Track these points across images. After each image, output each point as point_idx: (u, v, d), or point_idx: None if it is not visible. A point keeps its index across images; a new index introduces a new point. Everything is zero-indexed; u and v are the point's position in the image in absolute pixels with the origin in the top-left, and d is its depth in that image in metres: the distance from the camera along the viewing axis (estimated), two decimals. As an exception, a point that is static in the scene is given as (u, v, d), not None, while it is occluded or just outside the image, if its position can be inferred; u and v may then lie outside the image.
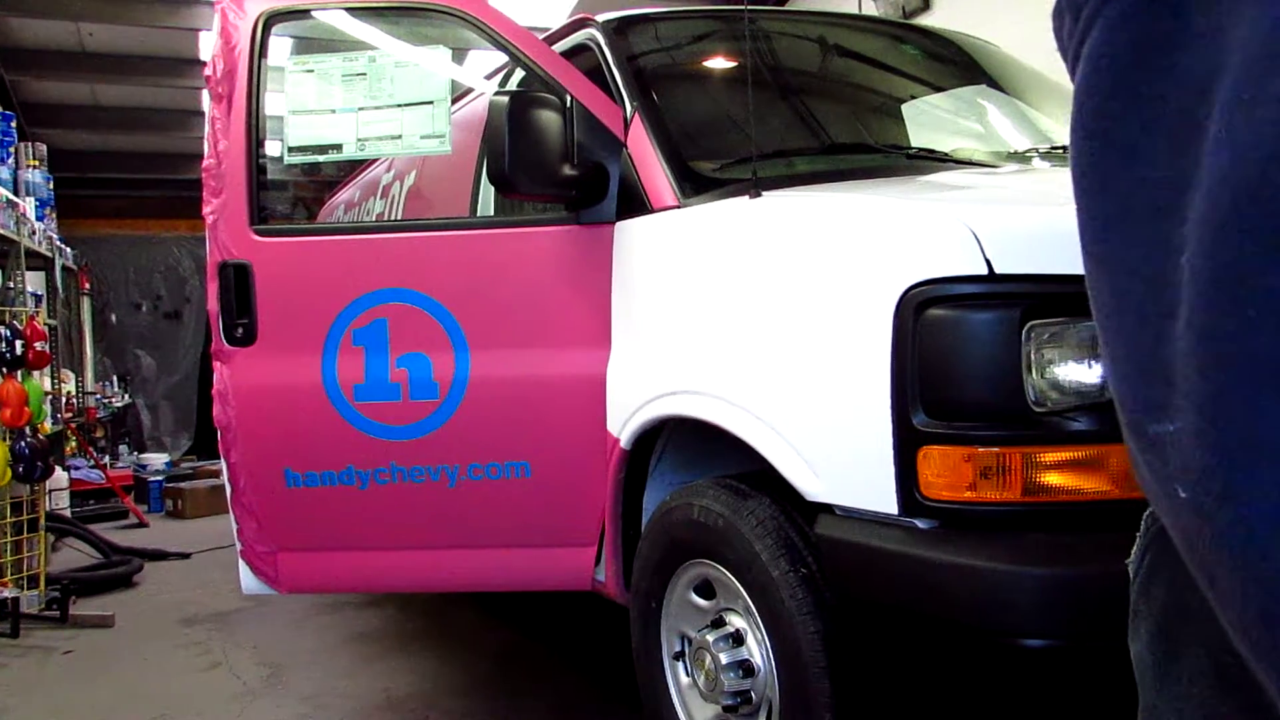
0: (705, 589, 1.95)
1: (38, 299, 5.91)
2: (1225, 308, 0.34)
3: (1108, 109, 0.41)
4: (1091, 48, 0.41)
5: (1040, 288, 1.42)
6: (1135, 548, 0.53)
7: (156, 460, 8.31)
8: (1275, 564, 0.34)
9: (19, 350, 3.89)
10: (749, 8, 2.36)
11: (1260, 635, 0.36)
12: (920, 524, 1.49)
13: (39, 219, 5.93)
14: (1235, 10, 0.34)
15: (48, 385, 5.59)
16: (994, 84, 2.75)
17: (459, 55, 4.11)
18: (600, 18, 2.54)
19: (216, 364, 2.41)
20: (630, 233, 2.18)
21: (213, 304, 2.38)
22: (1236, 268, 0.33)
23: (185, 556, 5.25)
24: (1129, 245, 0.40)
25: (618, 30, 2.49)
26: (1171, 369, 0.37)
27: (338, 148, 2.35)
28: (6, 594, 3.83)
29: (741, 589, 1.80)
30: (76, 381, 7.85)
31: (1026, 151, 2.40)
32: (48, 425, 4.75)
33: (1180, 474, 0.37)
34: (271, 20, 2.42)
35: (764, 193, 1.87)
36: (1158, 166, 0.38)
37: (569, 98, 2.17)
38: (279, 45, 2.53)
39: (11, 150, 5.67)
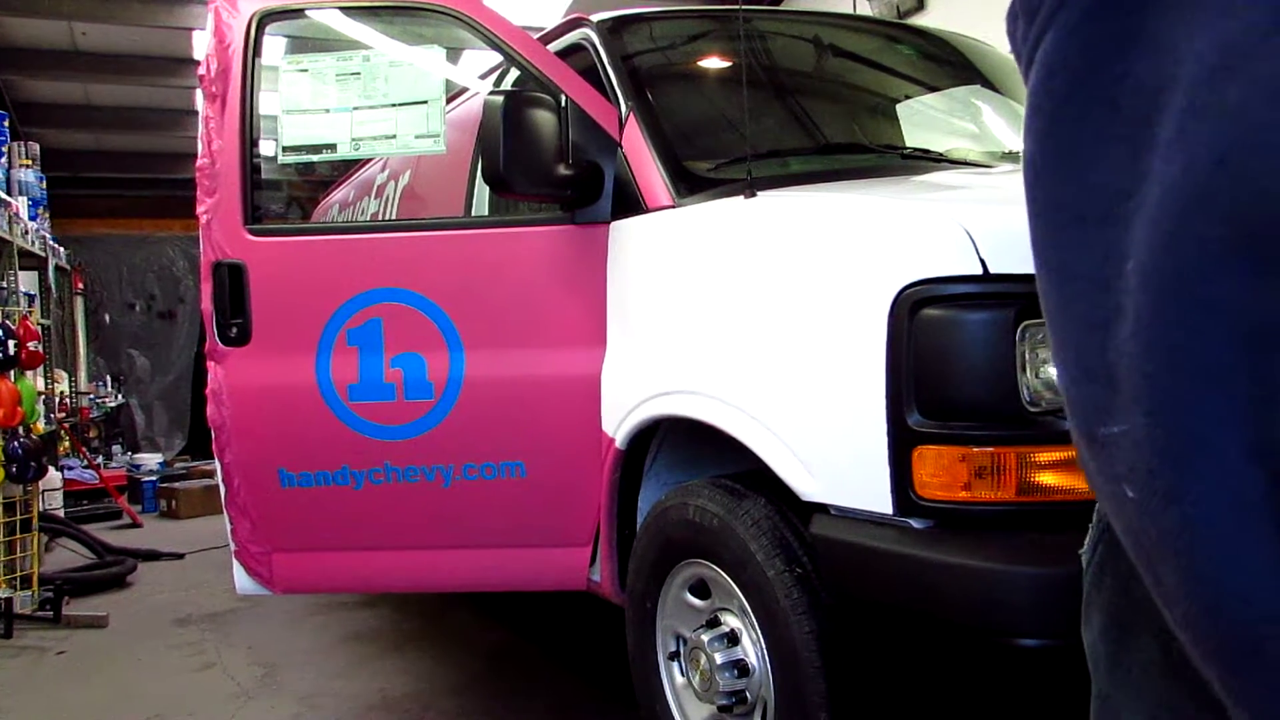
0: (700, 589, 1.95)
1: (30, 299, 5.89)
2: (1171, 314, 0.34)
3: (1060, 114, 0.41)
4: (1045, 53, 0.41)
5: (1034, 288, 1.42)
6: (1088, 538, 0.55)
7: (150, 460, 8.29)
8: (1218, 563, 0.35)
9: (12, 350, 3.88)
10: (744, 7, 2.36)
11: (1204, 631, 0.37)
12: (915, 524, 1.49)
13: (32, 218, 5.90)
14: (1192, 19, 0.34)
15: (41, 385, 5.57)
16: (988, 84, 2.76)
17: (454, 55, 4.10)
18: (595, 17, 2.54)
19: (210, 364, 2.40)
20: (625, 232, 2.18)
21: (207, 304, 2.37)
22: (1183, 274, 0.34)
23: (179, 557, 5.24)
24: (1078, 251, 0.40)
25: (612, 30, 2.49)
26: (1117, 372, 0.37)
27: (332, 147, 2.35)
28: (0, 594, 3.82)
29: (737, 589, 1.80)
30: (70, 381, 7.83)
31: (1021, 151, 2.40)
32: (41, 425, 4.73)
33: (1128, 475, 0.38)
34: (265, 19, 2.42)
35: (759, 193, 1.87)
36: (1108, 173, 0.38)
37: (564, 97, 2.17)
38: (273, 44, 2.53)
39: (4, 150, 5.64)
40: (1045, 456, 1.41)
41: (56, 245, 6.90)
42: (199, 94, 2.51)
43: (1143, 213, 0.36)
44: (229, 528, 2.48)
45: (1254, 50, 0.32)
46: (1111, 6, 0.38)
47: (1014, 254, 1.44)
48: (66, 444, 7.11)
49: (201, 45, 2.92)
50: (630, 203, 2.16)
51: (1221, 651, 0.36)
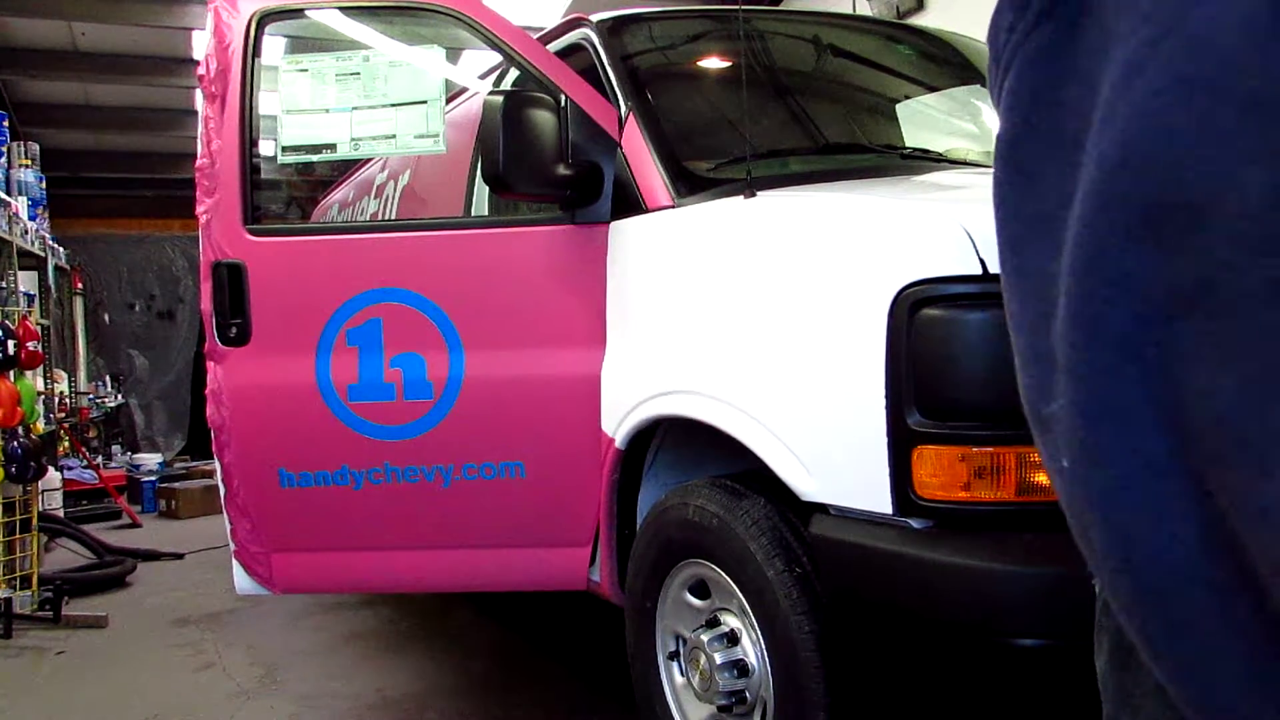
0: (700, 589, 1.95)
1: (30, 298, 5.89)
2: (1090, 289, 0.39)
3: (1017, 140, 0.48)
4: (1006, 90, 0.49)
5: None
6: None
7: (150, 460, 8.29)
8: (1132, 522, 0.39)
9: (11, 350, 3.88)
10: (743, 7, 2.36)
11: (1122, 591, 0.40)
12: (915, 524, 1.49)
13: (31, 218, 5.90)
14: (1108, 49, 0.40)
15: (40, 385, 5.57)
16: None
17: (453, 55, 4.10)
18: (594, 17, 2.54)
19: (210, 364, 2.40)
20: (625, 233, 2.18)
21: (206, 304, 2.37)
22: (1099, 254, 0.39)
23: (179, 557, 5.23)
24: (1033, 250, 0.46)
25: (612, 30, 2.49)
26: (1054, 353, 0.42)
27: (332, 147, 2.35)
28: (0, 594, 3.82)
29: (736, 589, 1.80)
30: (69, 381, 7.83)
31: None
32: (40, 425, 4.73)
33: (1065, 447, 0.42)
34: (265, 19, 2.42)
35: (758, 192, 1.87)
36: (1054, 188, 0.44)
37: (563, 97, 2.17)
38: (272, 44, 2.53)
39: (4, 150, 5.64)
40: (1045, 456, 1.41)
41: (56, 245, 6.90)
42: (199, 94, 2.51)
43: (1074, 209, 0.41)
44: (229, 528, 2.48)
45: (1146, 60, 0.37)
46: (1053, 51, 0.45)
47: (1013, 254, 1.44)
48: (66, 444, 7.10)
49: (201, 45, 2.92)
50: (630, 203, 2.16)
51: (1136, 608, 0.40)
